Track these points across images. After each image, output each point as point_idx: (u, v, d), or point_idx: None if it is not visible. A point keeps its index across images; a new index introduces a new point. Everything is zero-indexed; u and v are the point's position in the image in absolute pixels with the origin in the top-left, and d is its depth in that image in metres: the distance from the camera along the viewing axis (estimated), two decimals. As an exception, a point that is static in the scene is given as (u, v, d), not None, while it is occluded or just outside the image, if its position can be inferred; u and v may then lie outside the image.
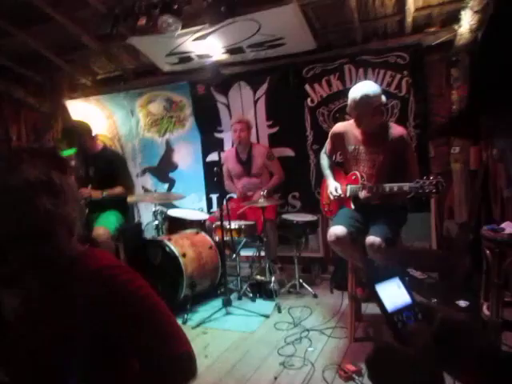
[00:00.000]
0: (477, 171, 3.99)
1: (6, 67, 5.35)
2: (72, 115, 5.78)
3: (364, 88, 2.75)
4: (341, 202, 3.06)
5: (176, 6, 3.88)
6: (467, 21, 3.76)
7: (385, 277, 0.95)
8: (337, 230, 2.76)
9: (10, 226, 0.98)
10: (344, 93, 4.40)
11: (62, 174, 1.05)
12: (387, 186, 2.68)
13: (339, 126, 3.09)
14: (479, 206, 3.89)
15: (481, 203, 3.89)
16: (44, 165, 1.03)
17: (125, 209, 3.96)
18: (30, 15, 4.50)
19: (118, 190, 3.82)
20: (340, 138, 3.03)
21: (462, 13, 3.77)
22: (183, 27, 4.04)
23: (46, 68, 5.50)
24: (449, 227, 4.19)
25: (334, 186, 3.03)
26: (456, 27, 3.93)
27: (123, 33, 4.34)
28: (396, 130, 2.86)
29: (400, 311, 0.90)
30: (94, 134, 3.87)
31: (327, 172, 3.18)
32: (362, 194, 2.79)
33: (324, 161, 3.24)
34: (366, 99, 2.71)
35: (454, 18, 3.92)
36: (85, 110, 5.69)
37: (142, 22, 3.97)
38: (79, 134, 3.74)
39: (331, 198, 3.05)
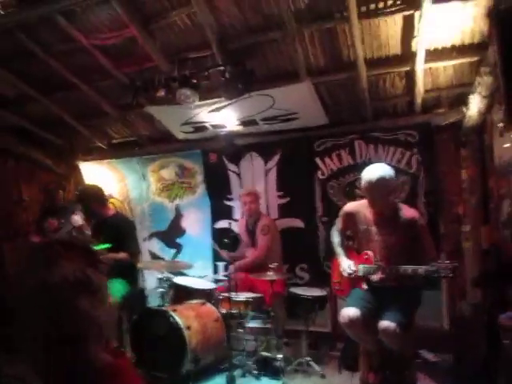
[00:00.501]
0: (489, 250, 3.95)
1: (27, 130, 5.53)
2: (85, 177, 5.88)
3: (380, 171, 2.80)
4: (353, 281, 3.01)
5: (195, 81, 4.05)
6: (476, 104, 3.88)
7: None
8: (350, 311, 2.70)
9: (42, 326, 0.89)
10: (354, 167, 4.50)
11: (96, 271, 0.98)
12: (402, 268, 2.65)
13: (350, 206, 3.12)
14: (493, 287, 3.81)
15: (495, 284, 3.81)
16: (80, 260, 0.96)
17: (132, 277, 3.91)
18: (54, 83, 4.73)
19: (122, 255, 3.79)
20: (351, 218, 3.04)
21: (471, 96, 3.90)
22: (200, 99, 4.19)
23: (65, 132, 5.67)
24: (462, 307, 4.08)
25: (347, 264, 3.00)
26: (464, 109, 4.05)
27: (142, 102, 4.52)
28: (408, 212, 2.88)
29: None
30: (106, 200, 3.91)
31: (339, 250, 3.16)
32: (376, 277, 2.75)
33: (336, 238, 3.23)
34: (382, 181, 2.75)
35: (463, 101, 4.05)
36: (97, 173, 5.80)
37: (162, 93, 4.13)
38: (92, 199, 3.78)
39: (345, 275, 3.01)
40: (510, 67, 2.51)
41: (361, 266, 2.92)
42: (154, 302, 4.95)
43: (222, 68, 3.95)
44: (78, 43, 4.11)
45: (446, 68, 3.93)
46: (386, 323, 2.55)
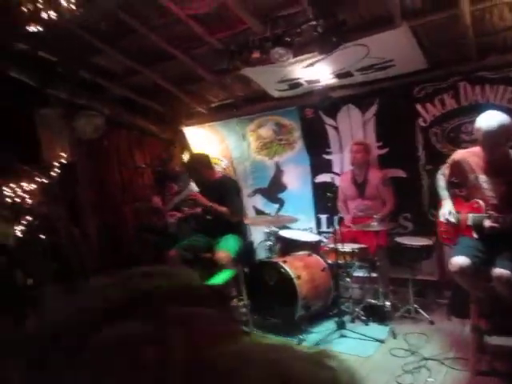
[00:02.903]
0: None
1: (133, 101, 5.99)
2: (189, 141, 6.28)
3: (500, 118, 2.70)
4: (461, 230, 2.98)
5: (288, 39, 4.08)
6: None
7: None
8: (460, 260, 2.71)
9: None
10: (459, 111, 4.30)
11: None
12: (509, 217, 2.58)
13: (460, 154, 3.04)
14: None
15: None
16: None
17: (243, 232, 4.22)
18: (154, 54, 5.04)
19: (223, 209, 3.99)
20: (460, 166, 2.97)
21: None
22: (294, 56, 4.22)
23: (166, 99, 6.06)
24: None
25: (448, 210, 3.01)
26: None
27: (237, 65, 4.66)
28: None
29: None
30: (212, 164, 4.21)
31: (444, 193, 3.15)
32: (487, 224, 2.70)
33: (441, 181, 3.22)
34: (503, 129, 2.66)
35: None
36: (200, 136, 6.15)
37: (256, 55, 4.22)
38: (201, 165, 4.10)
39: (441, 219, 3.01)
40: None
41: (470, 215, 2.88)
42: (261, 254, 5.31)
43: (313, 23, 3.91)
44: (174, 15, 4.31)
45: None
46: (500, 271, 2.53)
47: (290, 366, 0.44)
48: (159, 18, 4.44)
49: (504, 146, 2.72)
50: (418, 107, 4.48)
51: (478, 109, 4.16)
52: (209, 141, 6.08)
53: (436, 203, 4.29)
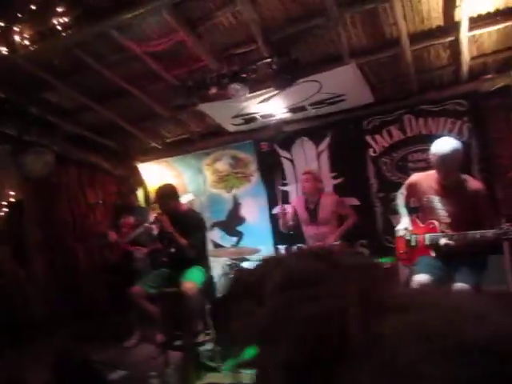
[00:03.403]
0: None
1: (85, 137, 5.90)
2: (144, 177, 6.23)
3: (452, 144, 2.95)
4: (420, 251, 3.15)
5: (244, 75, 4.24)
6: (524, 67, 3.89)
7: None
8: (421, 278, 2.86)
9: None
10: (405, 142, 4.59)
11: None
12: (470, 234, 2.77)
13: (415, 177, 3.26)
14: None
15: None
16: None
17: (208, 266, 4.19)
18: (108, 91, 5.04)
19: (183, 241, 3.96)
20: (416, 188, 3.18)
21: (519, 59, 3.91)
22: (250, 92, 4.38)
23: (119, 135, 6.02)
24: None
25: (404, 226, 3.20)
26: (513, 73, 4.06)
27: (195, 101, 4.75)
28: (473, 183, 3.01)
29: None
30: (179, 197, 4.21)
31: (402, 210, 3.33)
32: (443, 241, 2.88)
33: (400, 200, 3.40)
34: (455, 154, 2.90)
35: (510, 65, 4.06)
36: (155, 172, 6.13)
37: (214, 91, 4.34)
38: (169, 196, 4.09)
39: (399, 234, 3.19)
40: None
41: (427, 235, 3.06)
42: (221, 288, 5.27)
43: (268, 60, 4.11)
44: (130, 52, 4.37)
45: (491, 33, 3.94)
46: (460, 285, 2.70)
47: None
48: (114, 54, 4.48)
49: (456, 169, 2.96)
50: (368, 139, 4.77)
51: (422, 139, 4.52)
52: (164, 176, 6.06)
53: (389, 228, 4.54)
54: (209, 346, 3.87)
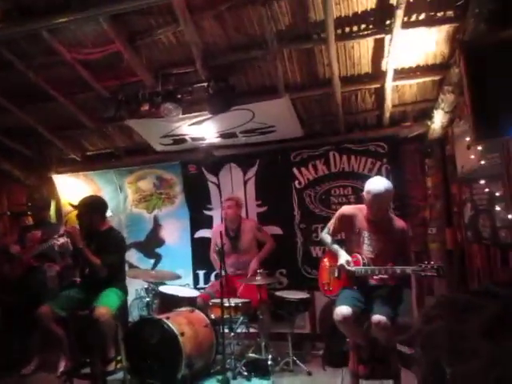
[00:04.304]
0: (453, 250, 4.36)
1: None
2: (58, 189, 5.83)
3: (385, 183, 3.14)
4: (342, 282, 3.27)
5: (178, 96, 4.20)
6: (439, 118, 4.29)
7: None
8: (342, 309, 2.95)
9: None
10: (329, 177, 4.81)
11: None
12: (390, 269, 2.94)
13: (348, 209, 3.39)
14: (457, 283, 4.20)
15: (459, 281, 4.21)
16: None
17: (124, 287, 3.97)
18: (30, 94, 4.71)
19: (96, 260, 3.69)
20: (348, 220, 3.31)
21: (434, 111, 4.30)
22: (183, 113, 4.33)
23: (35, 142, 5.62)
24: (429, 303, 4.44)
25: (346, 259, 3.19)
26: (429, 123, 4.45)
27: (123, 115, 4.58)
28: (399, 222, 3.22)
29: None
30: (106, 213, 3.98)
31: (335, 247, 3.37)
32: (362, 271, 3.02)
33: (328, 239, 3.47)
34: (388, 193, 3.08)
35: (427, 115, 4.46)
36: (72, 185, 5.77)
37: (145, 107, 4.22)
38: (94, 210, 3.84)
39: (347, 268, 3.15)
40: (475, 90, 2.87)
41: (358, 268, 3.17)
42: (134, 312, 5.03)
43: (205, 84, 4.12)
44: (60, 57, 4.15)
45: (412, 85, 4.32)
46: (377, 317, 2.83)
47: None
48: (43, 56, 4.22)
49: (386, 208, 3.15)
50: (295, 170, 4.92)
51: (344, 175, 4.77)
52: (81, 190, 5.72)
53: (308, 259, 4.68)
54: (120, 375, 3.64)
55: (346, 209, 3.45)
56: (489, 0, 2.99)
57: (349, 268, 3.16)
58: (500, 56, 2.75)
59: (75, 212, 4.34)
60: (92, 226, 3.83)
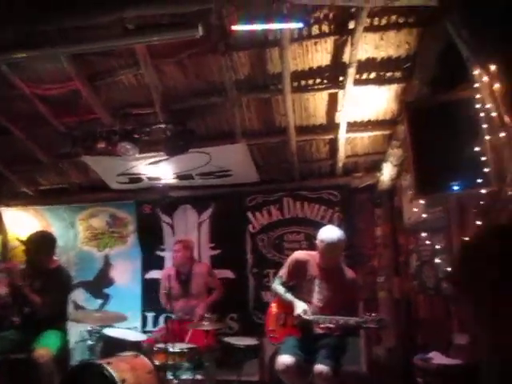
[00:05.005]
0: (400, 299, 4.46)
1: None
2: (5, 223, 5.63)
3: (338, 233, 3.22)
4: (287, 330, 3.26)
5: (136, 136, 4.21)
6: (388, 171, 4.49)
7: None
8: (285, 359, 2.94)
9: None
10: (283, 222, 4.89)
11: None
12: (334, 319, 2.96)
13: (301, 254, 3.43)
14: (404, 332, 4.28)
15: (405, 329, 4.29)
16: None
17: (66, 328, 3.81)
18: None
19: (35, 298, 3.54)
20: (302, 265, 3.33)
21: (384, 164, 4.51)
22: (140, 153, 4.33)
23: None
24: (378, 352, 4.48)
25: (303, 309, 3.11)
26: (378, 174, 4.65)
27: (79, 152, 4.54)
28: (349, 272, 3.31)
29: None
30: (54, 251, 3.85)
31: (289, 296, 3.28)
32: (320, 320, 3.02)
33: (281, 290, 3.38)
34: (341, 242, 3.16)
35: (377, 167, 4.66)
36: (21, 219, 5.59)
37: (102, 145, 4.19)
38: (42, 248, 3.71)
39: (304, 317, 3.08)
40: (417, 147, 3.05)
41: (315, 316, 3.15)
42: (77, 355, 4.79)
43: (163, 126, 4.18)
44: (18, 90, 4.12)
45: (363, 138, 4.52)
46: (320, 367, 2.82)
47: None
48: (0, 89, 4.18)
49: (339, 256, 3.21)
50: (249, 215, 4.98)
51: (297, 222, 4.85)
52: (30, 225, 5.54)
53: (260, 304, 4.65)
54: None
55: (299, 254, 3.47)
56: (432, 66, 3.25)
57: (306, 317, 3.09)
58: (440, 117, 2.95)
59: (22, 247, 4.14)
60: (39, 263, 3.70)
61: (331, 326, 2.98)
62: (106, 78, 4.01)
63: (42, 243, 3.79)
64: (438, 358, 2.83)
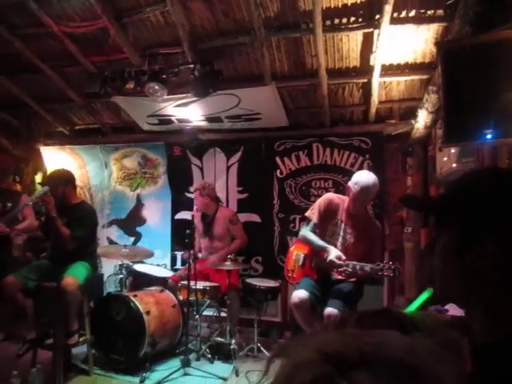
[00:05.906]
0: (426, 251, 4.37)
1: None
2: (45, 161, 5.85)
3: (373, 177, 3.15)
4: (305, 271, 3.29)
5: (164, 76, 4.18)
6: (423, 118, 4.26)
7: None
8: (300, 293, 3.00)
9: None
10: (311, 168, 4.81)
11: None
12: (351, 264, 2.95)
13: (334, 197, 3.38)
14: (426, 283, 4.22)
15: (428, 281, 4.23)
16: None
17: (94, 261, 4.01)
18: (17, 64, 4.71)
19: (65, 230, 3.68)
20: (333, 207, 3.29)
21: (419, 111, 4.27)
22: (168, 94, 4.32)
23: (24, 113, 5.62)
24: (399, 302, 4.48)
25: (337, 254, 3.02)
26: (413, 122, 4.42)
27: (109, 92, 4.57)
28: (375, 223, 3.26)
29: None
30: (76, 186, 3.98)
31: (321, 243, 3.20)
32: (331, 268, 3.03)
33: (311, 236, 3.30)
34: (375, 187, 3.10)
35: (412, 114, 4.43)
36: (58, 158, 5.79)
37: (131, 85, 4.21)
38: (65, 182, 3.85)
39: (337, 263, 3.01)
40: (450, 91, 2.85)
41: (315, 259, 3.20)
42: (110, 287, 5.08)
43: (191, 66, 4.10)
44: (48, 28, 4.13)
45: (399, 83, 4.28)
46: (329, 310, 2.87)
47: None
48: (30, 27, 4.21)
49: (369, 202, 3.15)
50: (277, 159, 4.92)
51: (326, 168, 4.76)
52: (67, 164, 5.73)
53: (284, 249, 4.69)
54: (82, 348, 3.70)
55: (332, 196, 3.39)
56: (476, 2, 2.96)
57: (340, 262, 3.00)
58: (477, 59, 2.72)
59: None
60: (64, 199, 3.85)
61: (348, 270, 2.95)
62: (132, 15, 3.94)
63: (64, 180, 3.92)
64: (453, 309, 2.78)
